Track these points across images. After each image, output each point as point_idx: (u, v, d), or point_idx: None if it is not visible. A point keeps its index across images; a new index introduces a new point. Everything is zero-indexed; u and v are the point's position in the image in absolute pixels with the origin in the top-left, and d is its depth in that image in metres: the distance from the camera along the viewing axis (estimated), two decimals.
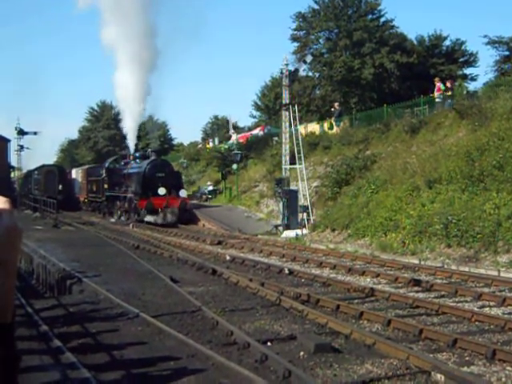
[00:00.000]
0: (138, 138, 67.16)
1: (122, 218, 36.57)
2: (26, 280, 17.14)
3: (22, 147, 60.40)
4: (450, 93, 29.73)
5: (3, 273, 1.33)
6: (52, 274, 14.96)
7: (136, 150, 42.77)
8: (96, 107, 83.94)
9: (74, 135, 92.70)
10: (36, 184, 52.01)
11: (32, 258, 17.82)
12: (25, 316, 10.58)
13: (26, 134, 60.41)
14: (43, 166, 54.27)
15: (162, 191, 32.92)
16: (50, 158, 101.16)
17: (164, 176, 34.06)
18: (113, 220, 37.35)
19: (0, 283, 1.29)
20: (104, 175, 41.38)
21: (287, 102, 30.15)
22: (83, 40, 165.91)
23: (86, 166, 54.22)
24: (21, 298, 12.08)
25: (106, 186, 40.68)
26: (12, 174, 60.68)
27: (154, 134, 55.65)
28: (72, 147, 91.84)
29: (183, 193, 34.40)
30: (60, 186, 51.53)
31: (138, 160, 37.78)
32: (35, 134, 61.10)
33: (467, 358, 8.23)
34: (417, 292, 13.31)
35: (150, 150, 40.13)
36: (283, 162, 30.27)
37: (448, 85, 30.16)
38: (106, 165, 42.37)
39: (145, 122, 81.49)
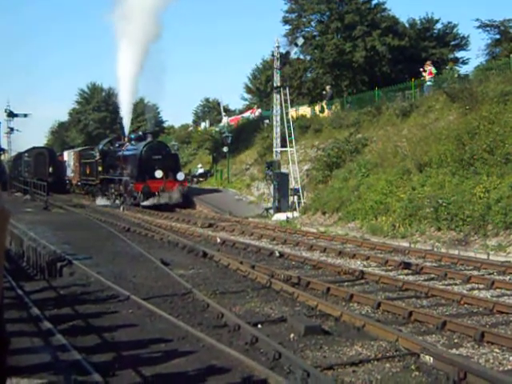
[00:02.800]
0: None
1: (117, 202, 35.78)
2: (17, 262, 17.09)
3: (12, 129, 59.98)
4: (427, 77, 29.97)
5: None
6: (42, 256, 14.92)
7: (130, 132, 42.16)
8: (86, 89, 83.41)
9: (64, 117, 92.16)
10: (26, 166, 51.76)
11: (22, 240, 17.76)
12: (15, 298, 10.58)
13: (16, 116, 59.93)
14: (33, 149, 53.96)
15: (158, 174, 32.07)
16: (40, 140, 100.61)
17: (161, 158, 33.18)
18: (107, 203, 36.54)
19: None
20: (98, 157, 40.49)
21: (278, 84, 30.06)
22: (74, 14, 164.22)
23: (79, 148, 53.28)
24: (11, 281, 12.07)
25: (100, 168, 39.83)
26: (2, 157, 60.32)
27: (150, 115, 54.93)
28: (62, 129, 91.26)
29: (181, 176, 33.42)
30: (50, 169, 51.28)
31: (133, 142, 36.97)
32: (25, 116, 60.65)
33: (456, 340, 8.30)
34: (406, 275, 13.38)
35: (141, 132, 39.77)
36: (274, 144, 30.25)
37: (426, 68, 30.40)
38: (100, 147, 41.44)
39: (136, 104, 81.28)
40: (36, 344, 7.72)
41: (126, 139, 39.13)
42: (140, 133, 41.05)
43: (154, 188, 31.90)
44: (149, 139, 34.92)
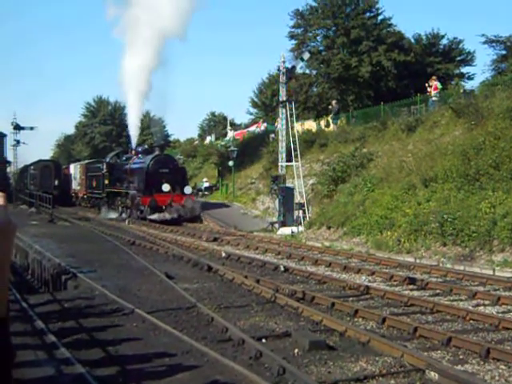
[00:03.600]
0: None
1: (123, 215, 35.25)
2: (21, 275, 17.12)
3: (18, 142, 60.19)
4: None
5: None
6: (47, 269, 14.95)
7: (136, 146, 41.87)
8: (92, 102, 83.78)
9: (71, 130, 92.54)
10: (32, 179, 51.92)
11: (27, 253, 17.80)
12: (20, 311, 10.58)
13: (23, 128, 60.15)
14: (39, 161, 54.12)
15: (166, 188, 31.69)
16: (47, 153, 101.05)
17: (168, 172, 32.78)
18: (113, 216, 36.18)
19: None
20: (105, 170, 40.16)
21: (284, 99, 30.13)
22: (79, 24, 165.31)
23: (86, 161, 53.13)
24: (16, 293, 12.07)
25: (106, 181, 39.47)
26: (8, 169, 60.54)
27: (155, 128, 54.87)
28: (68, 142, 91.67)
29: (188, 189, 33.09)
30: (56, 182, 51.40)
31: (140, 155, 36.55)
32: (32, 128, 60.86)
33: (461, 357, 8.25)
34: (412, 290, 13.33)
35: (146, 145, 39.66)
36: (280, 159, 30.25)
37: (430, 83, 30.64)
38: (107, 160, 41.14)
39: (142, 117, 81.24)
40: (40, 357, 7.71)
41: (133, 152, 38.76)
42: (145, 146, 41.00)
43: (161, 202, 31.47)
44: (156, 152, 34.45)
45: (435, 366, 7.37)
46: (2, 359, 1.26)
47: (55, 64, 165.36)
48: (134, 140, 42.31)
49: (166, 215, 31.28)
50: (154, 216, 31.28)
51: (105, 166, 40.56)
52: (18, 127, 59.64)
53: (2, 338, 1.27)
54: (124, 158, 39.51)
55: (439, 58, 42.32)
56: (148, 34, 37.37)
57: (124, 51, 41.79)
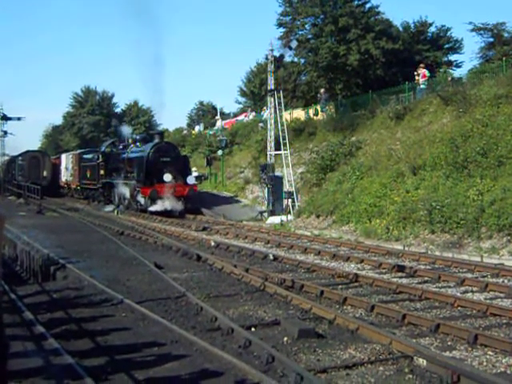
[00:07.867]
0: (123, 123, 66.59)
1: (121, 207, 33.49)
2: (10, 266, 17.03)
3: (5, 133, 59.75)
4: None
5: None
6: (36, 260, 14.88)
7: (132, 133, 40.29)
8: (80, 92, 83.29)
9: (59, 121, 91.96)
10: (20, 170, 51.47)
11: (16, 244, 17.70)
12: (8, 302, 10.54)
13: (10, 119, 59.66)
14: (27, 152, 53.68)
15: (167, 178, 29.81)
16: (35, 143, 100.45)
17: (170, 161, 30.74)
18: (110, 209, 34.21)
19: None
20: (100, 160, 38.27)
21: (272, 87, 30.08)
22: (69, 18, 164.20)
23: (79, 151, 51.24)
24: (4, 285, 12.01)
25: (102, 172, 37.71)
26: None
27: (144, 118, 54.16)
28: (56, 133, 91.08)
29: (191, 179, 31.46)
30: (44, 172, 51.00)
31: (138, 143, 34.75)
32: (19, 119, 60.36)
33: (449, 343, 8.31)
34: (400, 278, 13.39)
35: (136, 135, 39.12)
36: (268, 148, 30.24)
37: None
38: (103, 149, 39.38)
39: (130, 107, 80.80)
40: (28, 348, 7.70)
41: (131, 140, 36.78)
42: (135, 136, 40.11)
43: (162, 192, 29.76)
44: (156, 140, 32.33)
45: (423, 352, 7.42)
46: None
47: (44, 55, 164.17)
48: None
49: (168, 207, 29.79)
50: (155, 208, 29.82)
51: (100, 156, 38.71)
52: (5, 117, 59.15)
53: None
54: (121, 147, 37.50)
55: (427, 45, 42.27)
56: None
57: None
